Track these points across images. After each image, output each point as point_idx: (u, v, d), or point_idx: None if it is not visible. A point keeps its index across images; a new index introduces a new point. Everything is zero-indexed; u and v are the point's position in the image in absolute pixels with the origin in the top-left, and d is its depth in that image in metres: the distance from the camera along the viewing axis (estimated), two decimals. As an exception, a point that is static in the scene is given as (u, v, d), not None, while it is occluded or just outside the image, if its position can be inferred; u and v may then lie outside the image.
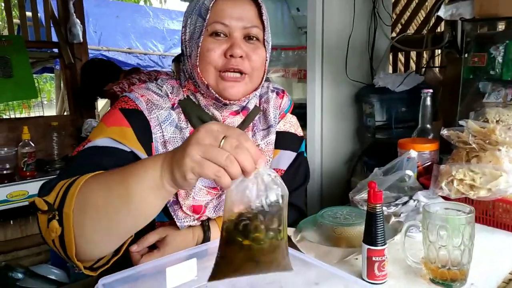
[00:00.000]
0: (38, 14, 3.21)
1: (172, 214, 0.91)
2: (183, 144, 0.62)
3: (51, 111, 4.67)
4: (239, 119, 0.97)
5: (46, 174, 2.60)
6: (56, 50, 3.19)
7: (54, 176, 0.79)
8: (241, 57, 0.89)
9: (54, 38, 3.16)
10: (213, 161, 0.58)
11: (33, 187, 2.49)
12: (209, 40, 0.89)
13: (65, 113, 3.31)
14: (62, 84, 3.39)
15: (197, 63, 0.90)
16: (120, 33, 5.08)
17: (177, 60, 3.41)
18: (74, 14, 3.07)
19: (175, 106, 0.96)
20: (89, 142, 0.86)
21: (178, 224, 0.91)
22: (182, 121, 0.95)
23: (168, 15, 6.04)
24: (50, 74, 6.01)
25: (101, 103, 5.04)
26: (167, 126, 0.92)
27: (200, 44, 0.89)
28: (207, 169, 0.58)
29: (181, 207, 0.91)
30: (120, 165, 0.82)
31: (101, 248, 0.70)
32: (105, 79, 2.39)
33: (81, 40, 3.12)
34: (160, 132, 0.92)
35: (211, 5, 0.87)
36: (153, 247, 0.91)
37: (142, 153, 0.88)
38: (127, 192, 0.64)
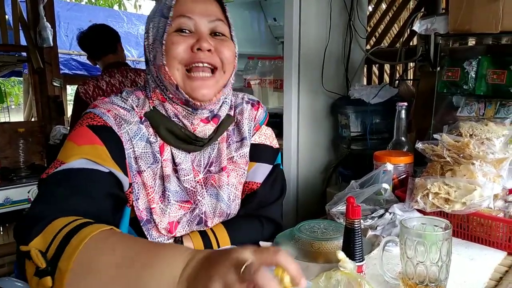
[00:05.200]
0: (6, 16, 3.10)
1: (146, 233, 0.88)
2: (206, 269, 0.53)
3: (19, 116, 4.51)
4: (210, 127, 0.93)
5: (11, 183, 2.50)
6: (24, 54, 3.09)
7: (36, 204, 0.73)
8: (209, 50, 0.86)
9: (23, 42, 3.06)
10: None
11: (-4, 196, 2.38)
12: (174, 35, 0.85)
13: (33, 119, 3.19)
14: (30, 89, 3.27)
15: (164, 62, 0.85)
16: (92, 38, 4.97)
17: None
18: (45, 17, 2.98)
19: (142, 119, 0.90)
20: (62, 164, 0.79)
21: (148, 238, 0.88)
22: (151, 135, 0.90)
23: (142, 20, 5.96)
24: (18, 78, 5.82)
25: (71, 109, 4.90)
26: (137, 141, 0.88)
27: (164, 41, 0.84)
28: None
29: (155, 226, 0.88)
30: (103, 190, 0.79)
31: None
32: (101, 46, 2.25)
33: (51, 44, 3.03)
34: (131, 148, 0.87)
35: (173, 2, 0.84)
36: None
37: (119, 172, 0.83)
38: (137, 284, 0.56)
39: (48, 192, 0.77)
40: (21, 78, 4.75)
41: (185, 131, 0.91)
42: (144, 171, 0.88)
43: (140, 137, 0.88)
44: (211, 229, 0.97)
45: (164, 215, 0.89)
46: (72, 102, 2.23)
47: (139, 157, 0.88)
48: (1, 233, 2.72)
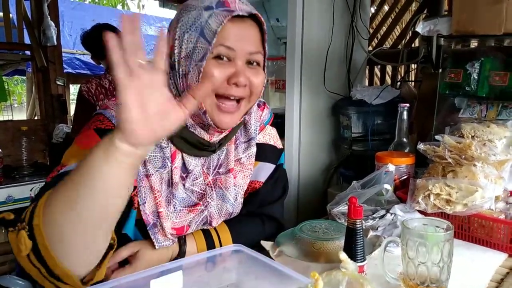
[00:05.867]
0: (10, 15, 3.11)
1: (152, 237, 0.88)
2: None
3: (21, 115, 4.52)
4: (223, 134, 0.94)
5: (14, 181, 2.51)
6: (28, 52, 3.10)
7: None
8: (244, 85, 0.85)
9: (27, 40, 3.07)
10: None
11: (-1, 194, 2.39)
12: (213, 63, 0.83)
13: (36, 118, 3.20)
14: (33, 88, 3.28)
15: None
16: (96, 37, 4.97)
17: None
18: (49, 16, 2.99)
19: None
20: (63, 167, 0.80)
21: (156, 245, 0.88)
22: (163, 139, 0.90)
23: (146, 20, 5.98)
24: (22, 77, 5.84)
25: (74, 108, 4.91)
26: None
27: (202, 69, 0.82)
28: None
29: (162, 229, 0.88)
30: None
31: (80, 251, 0.65)
32: (105, 46, 2.26)
33: (55, 43, 3.04)
34: None
35: (219, 29, 0.80)
36: (126, 263, 0.88)
37: None
38: (88, 172, 0.62)
39: (41, 193, 0.77)
40: (24, 77, 4.77)
41: (198, 138, 0.91)
42: (152, 174, 0.88)
43: None
44: (214, 228, 0.98)
45: (170, 220, 0.89)
46: (75, 101, 2.24)
47: (147, 160, 0.87)
48: (3, 231, 2.72)
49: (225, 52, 0.83)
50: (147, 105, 0.60)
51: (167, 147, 0.90)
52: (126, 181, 0.64)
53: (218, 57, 0.83)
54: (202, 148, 0.93)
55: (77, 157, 0.80)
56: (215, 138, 0.92)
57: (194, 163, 0.94)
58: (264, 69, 0.91)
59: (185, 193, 0.93)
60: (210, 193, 0.96)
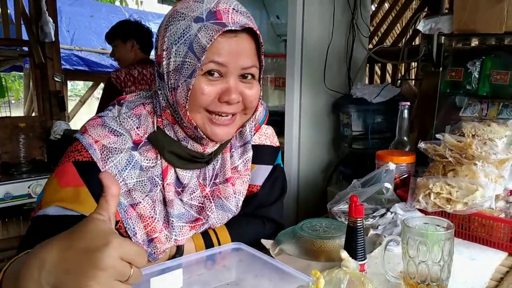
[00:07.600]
0: (8, 11, 3.09)
1: (151, 259, 0.85)
2: (71, 274, 0.48)
3: (18, 111, 4.50)
4: (218, 144, 0.91)
5: (11, 178, 2.49)
6: (26, 48, 3.08)
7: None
8: (237, 102, 0.82)
9: (25, 36, 3.05)
10: None
11: (-3, 191, 2.38)
12: (203, 80, 0.78)
13: (34, 114, 3.19)
14: (31, 84, 3.27)
15: (186, 106, 0.79)
16: (94, 33, 4.95)
17: None
18: (47, 12, 2.97)
19: (142, 143, 0.85)
20: (39, 209, 0.77)
21: (151, 259, 0.86)
22: (150, 159, 0.86)
23: (144, 16, 5.93)
24: (19, 73, 5.81)
25: (72, 104, 4.89)
26: (130, 171, 0.83)
27: (191, 86, 0.77)
28: None
29: (158, 255, 0.86)
30: None
31: None
32: (150, 43, 2.47)
33: (53, 39, 3.02)
34: (121, 181, 0.82)
35: (209, 45, 0.75)
36: None
37: None
38: None
39: (25, 240, 0.75)
40: (21, 73, 4.74)
41: (190, 152, 0.88)
42: (140, 202, 0.84)
43: (133, 166, 0.83)
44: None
45: (170, 241, 0.87)
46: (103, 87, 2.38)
47: (133, 189, 0.83)
48: (1, 228, 2.71)
49: (216, 69, 0.79)
50: None
51: (155, 165, 0.87)
52: None
53: (209, 72, 0.79)
54: (195, 161, 0.90)
55: (54, 199, 0.78)
56: (209, 149, 0.89)
57: (189, 176, 0.90)
58: (259, 81, 0.86)
59: (184, 208, 0.90)
60: (208, 205, 0.93)
